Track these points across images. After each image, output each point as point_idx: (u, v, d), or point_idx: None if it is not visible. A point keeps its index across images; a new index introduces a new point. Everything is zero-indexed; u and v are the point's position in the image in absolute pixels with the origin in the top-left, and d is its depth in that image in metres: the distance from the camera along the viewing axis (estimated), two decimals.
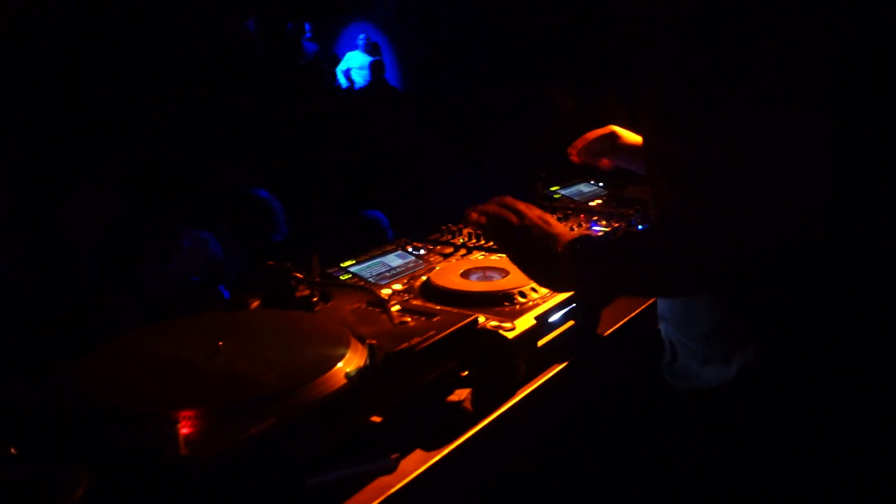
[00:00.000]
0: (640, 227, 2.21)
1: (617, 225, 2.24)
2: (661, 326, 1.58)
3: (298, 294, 1.64)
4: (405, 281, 1.87)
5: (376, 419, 1.35)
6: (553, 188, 2.65)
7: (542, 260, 1.47)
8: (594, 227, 2.24)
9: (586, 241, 1.44)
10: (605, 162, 2.27)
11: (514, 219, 1.55)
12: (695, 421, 1.47)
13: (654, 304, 1.71)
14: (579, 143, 2.24)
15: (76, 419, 1.19)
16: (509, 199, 1.61)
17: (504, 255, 1.70)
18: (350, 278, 1.88)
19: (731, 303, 1.33)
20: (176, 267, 3.63)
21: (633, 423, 2.00)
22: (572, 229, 2.24)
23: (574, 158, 2.26)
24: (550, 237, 1.48)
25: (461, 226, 2.27)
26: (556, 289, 1.61)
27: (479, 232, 2.03)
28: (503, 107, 6.18)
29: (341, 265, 1.94)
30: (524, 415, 1.48)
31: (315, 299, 1.65)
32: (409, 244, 2.12)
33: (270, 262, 1.66)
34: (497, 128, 5.12)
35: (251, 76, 8.41)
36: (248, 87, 7.99)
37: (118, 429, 1.12)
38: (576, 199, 2.60)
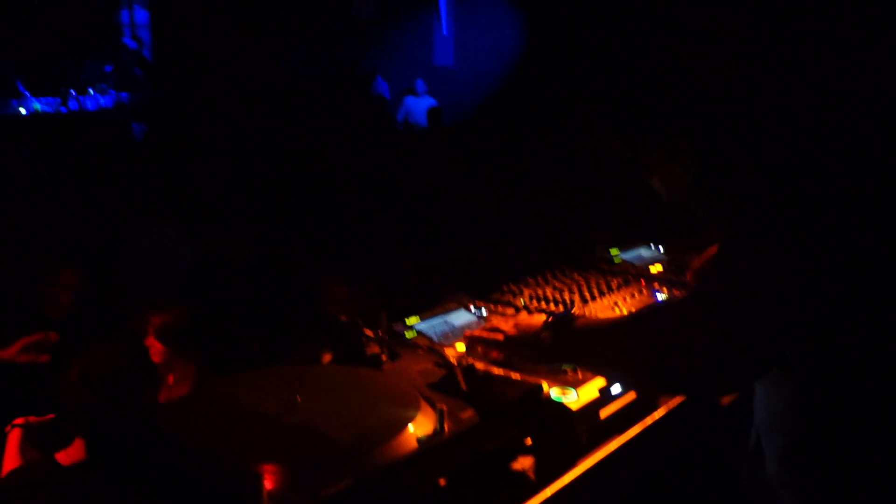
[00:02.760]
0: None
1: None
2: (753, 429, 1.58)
3: (368, 351, 1.70)
4: (468, 341, 1.92)
5: (442, 482, 1.39)
6: (613, 251, 2.68)
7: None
8: (656, 295, 2.26)
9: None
10: None
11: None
12: None
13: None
14: (697, 262, 2.20)
15: (165, 458, 1.26)
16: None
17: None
18: (414, 336, 1.93)
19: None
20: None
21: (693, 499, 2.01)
22: (633, 296, 2.27)
23: (689, 279, 2.22)
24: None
25: (521, 286, 2.32)
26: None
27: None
28: (550, 150, 6.24)
29: (406, 321, 1.99)
30: (585, 485, 1.51)
31: (384, 357, 1.71)
32: (471, 302, 2.17)
33: (343, 318, 1.73)
34: (543, 171, 5.16)
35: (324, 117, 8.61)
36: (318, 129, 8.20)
37: (206, 474, 1.19)
38: (636, 263, 2.63)
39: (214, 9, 10.91)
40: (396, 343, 1.79)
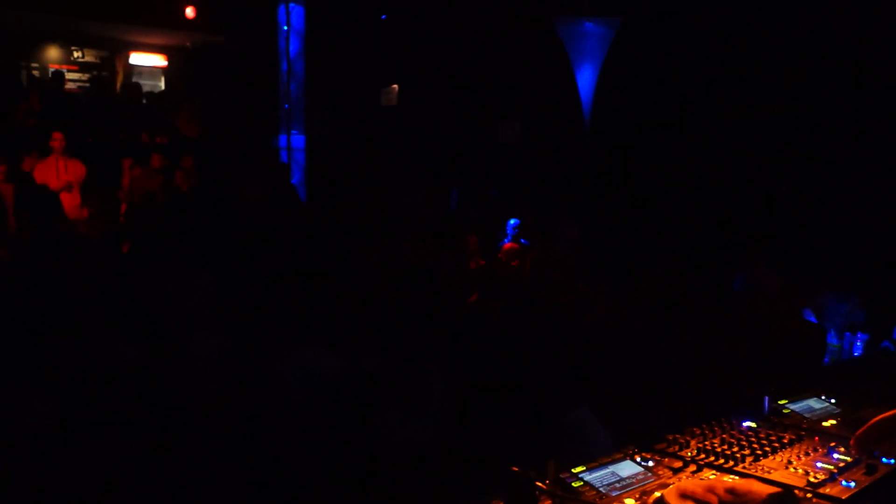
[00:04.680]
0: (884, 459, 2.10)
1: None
2: None
3: None
4: (637, 495, 1.88)
5: None
6: (781, 401, 2.58)
7: None
8: (832, 455, 2.15)
9: None
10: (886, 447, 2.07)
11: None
12: None
13: None
14: (863, 435, 2.04)
15: None
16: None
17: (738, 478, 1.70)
18: (581, 486, 1.91)
19: None
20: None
21: None
22: (807, 454, 2.17)
23: (853, 450, 2.10)
24: None
25: (688, 437, 2.26)
26: None
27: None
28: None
29: (572, 471, 1.97)
30: None
31: None
32: (637, 453, 2.13)
33: (515, 468, 1.73)
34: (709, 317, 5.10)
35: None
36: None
37: None
38: (807, 416, 2.52)
39: (363, 141, 11.67)
40: (567, 496, 1.78)
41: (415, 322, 5.49)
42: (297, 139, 12.13)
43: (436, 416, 4.50)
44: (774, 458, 2.13)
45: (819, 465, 2.08)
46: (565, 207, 9.82)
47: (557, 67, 11.15)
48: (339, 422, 4.13)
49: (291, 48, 11.71)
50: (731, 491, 1.62)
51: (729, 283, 7.08)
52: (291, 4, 11.47)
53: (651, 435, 2.27)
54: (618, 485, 1.95)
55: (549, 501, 1.70)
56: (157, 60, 15.14)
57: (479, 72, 11.98)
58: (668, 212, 9.29)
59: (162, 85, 15.07)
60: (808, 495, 1.90)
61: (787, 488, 1.88)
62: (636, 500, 1.84)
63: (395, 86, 12.62)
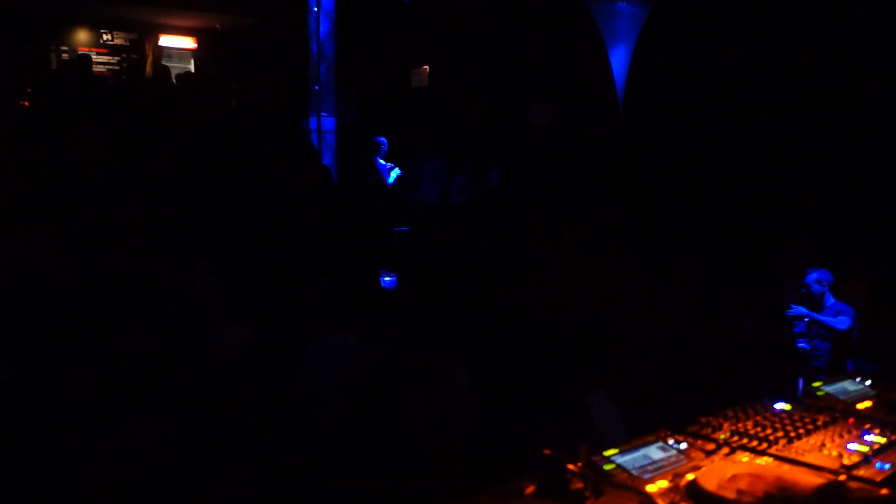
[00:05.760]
0: None
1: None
2: None
3: (573, 487, 1.70)
4: (670, 478, 1.88)
5: None
6: (815, 384, 2.56)
7: None
8: (865, 438, 2.13)
9: None
10: None
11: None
12: None
13: None
14: None
15: None
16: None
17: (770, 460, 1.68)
18: (614, 468, 1.92)
19: None
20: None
21: None
22: (841, 436, 2.15)
23: None
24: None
25: (721, 419, 2.26)
26: None
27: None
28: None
29: (604, 454, 1.98)
30: None
31: (587, 493, 1.71)
32: (669, 436, 2.13)
33: (547, 451, 1.75)
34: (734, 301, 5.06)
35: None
36: None
37: None
38: (841, 398, 2.50)
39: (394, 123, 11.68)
40: (600, 479, 1.79)
41: (445, 311, 5.49)
42: (328, 121, 12.14)
43: (462, 407, 4.50)
44: (808, 441, 2.12)
45: (853, 447, 2.07)
46: (597, 192, 9.74)
47: (590, 48, 11.02)
48: (369, 410, 4.15)
49: (321, 29, 11.70)
50: (778, 480, 1.61)
51: (764, 270, 6.97)
52: None
53: (683, 418, 2.26)
54: (650, 467, 1.95)
55: (581, 484, 1.71)
56: (187, 43, 15.21)
57: (511, 53, 11.88)
58: (702, 196, 9.16)
59: (192, 68, 15.14)
60: (842, 477, 1.89)
61: (835, 480, 1.87)
62: (669, 482, 1.85)
63: (426, 67, 12.56)
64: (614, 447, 2.02)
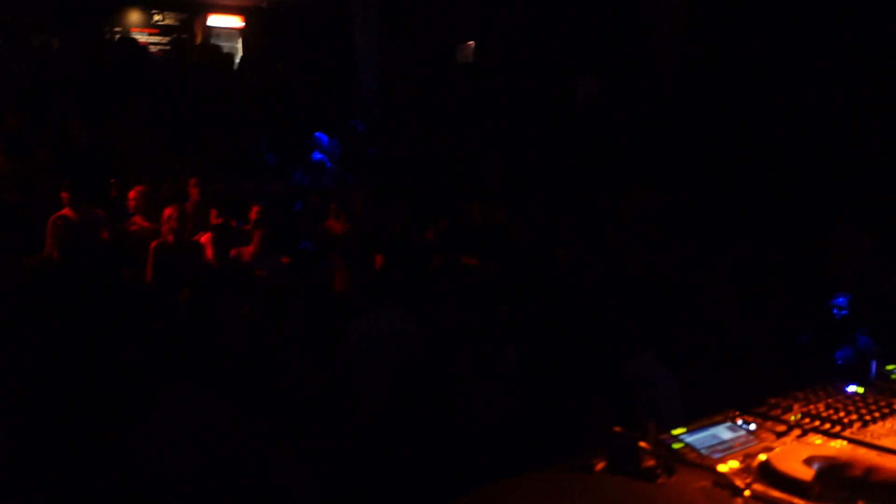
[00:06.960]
0: None
1: None
2: None
3: (644, 464, 1.66)
4: (741, 458, 1.83)
5: None
6: (889, 366, 2.48)
7: None
8: None
9: None
10: None
11: None
12: None
13: None
14: None
15: None
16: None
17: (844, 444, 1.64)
18: (682, 447, 1.87)
19: None
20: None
21: None
22: None
23: None
24: None
25: (791, 401, 2.20)
26: None
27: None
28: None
29: (672, 433, 1.94)
30: None
31: (659, 471, 1.67)
32: (738, 416, 2.08)
33: (618, 428, 1.71)
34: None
35: None
36: None
37: None
38: None
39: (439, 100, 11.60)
40: (671, 457, 1.75)
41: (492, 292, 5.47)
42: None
43: (511, 387, 4.49)
44: (884, 425, 2.05)
45: None
46: (646, 171, 9.59)
47: (639, 23, 10.85)
48: (417, 389, 4.16)
49: (367, 6, 11.70)
50: (871, 469, 1.54)
51: (815, 254, 6.82)
52: None
53: (752, 398, 2.21)
54: (720, 447, 1.90)
55: (654, 461, 1.68)
56: (235, 21, 15.29)
57: (557, 27, 11.74)
58: (754, 177, 8.96)
59: (239, 46, 15.23)
60: None
61: None
62: (740, 463, 1.80)
63: (472, 42, 12.50)
64: (675, 423, 1.98)
